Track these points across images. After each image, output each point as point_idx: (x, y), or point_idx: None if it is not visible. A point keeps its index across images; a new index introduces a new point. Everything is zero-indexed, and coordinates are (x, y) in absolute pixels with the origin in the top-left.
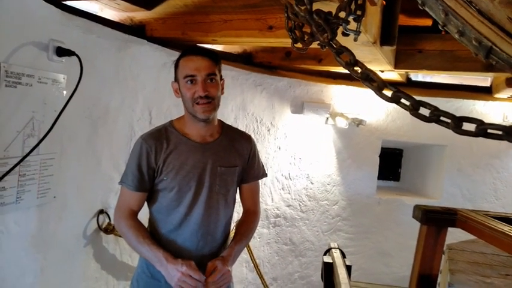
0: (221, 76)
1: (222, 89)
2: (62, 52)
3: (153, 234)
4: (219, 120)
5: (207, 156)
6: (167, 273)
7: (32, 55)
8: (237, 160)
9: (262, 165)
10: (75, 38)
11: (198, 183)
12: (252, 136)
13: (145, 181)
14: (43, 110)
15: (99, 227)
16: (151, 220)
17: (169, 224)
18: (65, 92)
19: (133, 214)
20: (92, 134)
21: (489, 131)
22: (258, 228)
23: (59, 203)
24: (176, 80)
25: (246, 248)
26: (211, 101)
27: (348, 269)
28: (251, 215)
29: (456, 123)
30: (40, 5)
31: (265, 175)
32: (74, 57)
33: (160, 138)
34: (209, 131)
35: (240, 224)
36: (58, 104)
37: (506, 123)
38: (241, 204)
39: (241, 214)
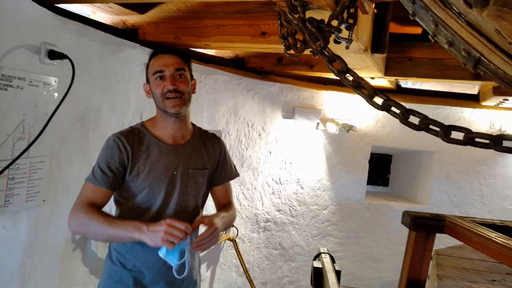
0: (192, 75)
1: (194, 88)
2: (54, 55)
3: None
4: (192, 124)
5: (178, 158)
6: (150, 235)
7: (23, 58)
8: (208, 162)
9: (234, 166)
10: (67, 41)
11: (169, 185)
12: (244, 141)
13: (113, 178)
14: (34, 113)
15: None
16: None
17: None
18: (56, 95)
19: (94, 205)
20: (83, 138)
21: (477, 139)
22: (248, 232)
23: (48, 206)
24: (147, 81)
25: (235, 252)
26: (181, 96)
27: (338, 274)
28: (228, 205)
29: (445, 131)
30: (33, 8)
31: (237, 175)
32: (66, 60)
33: (133, 138)
34: (181, 132)
35: (219, 208)
36: (49, 107)
37: (493, 130)
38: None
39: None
